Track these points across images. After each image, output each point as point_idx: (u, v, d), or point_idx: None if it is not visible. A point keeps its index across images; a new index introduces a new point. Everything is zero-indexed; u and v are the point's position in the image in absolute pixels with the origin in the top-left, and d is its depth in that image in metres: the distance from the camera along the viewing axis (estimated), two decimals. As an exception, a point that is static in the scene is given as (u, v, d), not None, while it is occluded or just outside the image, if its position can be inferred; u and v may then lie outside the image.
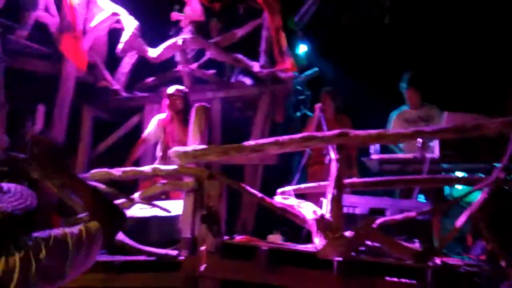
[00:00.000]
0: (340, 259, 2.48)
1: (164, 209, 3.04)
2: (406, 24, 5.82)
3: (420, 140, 3.44)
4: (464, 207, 2.75)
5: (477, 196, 2.62)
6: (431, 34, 5.74)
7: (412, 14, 5.79)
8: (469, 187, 2.97)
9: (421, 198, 3.51)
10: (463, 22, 5.53)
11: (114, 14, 4.85)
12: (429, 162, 3.17)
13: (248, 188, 2.94)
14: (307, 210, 2.73)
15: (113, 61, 5.14)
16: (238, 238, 3.00)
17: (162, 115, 4.12)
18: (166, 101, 4.08)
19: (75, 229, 1.29)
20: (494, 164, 2.86)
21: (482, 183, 2.63)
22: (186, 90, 4.20)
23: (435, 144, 3.19)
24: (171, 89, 4.08)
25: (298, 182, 3.96)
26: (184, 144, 3.87)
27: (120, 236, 2.95)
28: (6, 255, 1.15)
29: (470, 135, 2.65)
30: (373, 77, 5.78)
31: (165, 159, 3.85)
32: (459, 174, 3.23)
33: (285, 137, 2.74)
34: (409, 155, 3.38)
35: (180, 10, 5.22)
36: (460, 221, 2.60)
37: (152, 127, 4.12)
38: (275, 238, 3.58)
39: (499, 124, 2.53)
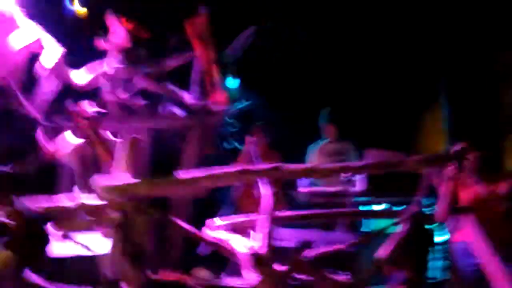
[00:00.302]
0: (273, 293, 2.48)
1: (85, 247, 2.85)
2: (323, 59, 6.22)
3: (345, 174, 3.65)
4: (383, 238, 2.93)
5: (395, 228, 2.81)
6: (348, 71, 6.20)
7: (329, 50, 6.22)
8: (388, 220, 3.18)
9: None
10: (377, 59, 6.06)
11: (38, 40, 4.57)
12: (352, 195, 3.36)
13: (180, 221, 2.86)
14: (239, 244, 2.72)
15: (30, 82, 4.79)
16: (163, 274, 2.88)
17: (72, 137, 3.91)
18: (82, 122, 3.86)
19: None
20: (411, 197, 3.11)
21: (401, 216, 2.84)
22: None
23: (361, 178, 3.40)
24: (90, 109, 3.89)
25: (226, 214, 3.96)
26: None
27: (33, 277, 2.69)
28: None
29: (392, 171, 2.86)
30: (297, 112, 6.07)
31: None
32: (381, 206, 3.47)
33: (220, 171, 2.73)
34: (335, 189, 3.55)
35: (105, 37, 5.08)
36: (381, 252, 2.76)
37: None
38: (202, 272, 3.50)
39: (420, 161, 2.77)
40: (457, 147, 2.80)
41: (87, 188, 3.61)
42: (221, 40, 4.69)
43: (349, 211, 3.21)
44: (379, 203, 3.51)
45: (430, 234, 3.27)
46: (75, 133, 3.90)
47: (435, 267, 3.28)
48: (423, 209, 2.93)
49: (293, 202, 4.00)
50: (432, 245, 3.27)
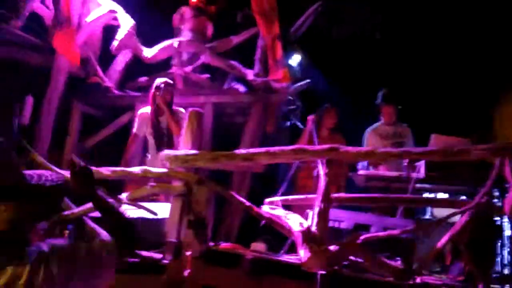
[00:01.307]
0: (324, 272, 2.51)
1: (151, 212, 3.03)
2: (396, 41, 5.94)
3: (406, 159, 3.52)
4: (445, 228, 2.82)
5: (458, 218, 2.69)
6: (419, 53, 5.87)
7: (403, 31, 5.92)
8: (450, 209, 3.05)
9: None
10: (451, 44, 5.67)
11: (111, 11, 4.83)
12: (414, 182, 3.25)
13: (237, 196, 2.95)
14: (294, 222, 2.75)
15: (106, 58, 5.11)
16: (223, 245, 3.01)
17: (146, 109, 4.10)
18: (154, 93, 4.03)
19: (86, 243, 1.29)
20: (477, 187, 2.95)
21: (464, 206, 2.71)
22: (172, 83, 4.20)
23: (421, 164, 3.27)
24: (161, 81, 4.07)
25: (285, 192, 4.01)
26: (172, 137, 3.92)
27: (105, 235, 2.93)
28: (16, 265, 1.14)
29: (456, 159, 2.73)
30: (361, 92, 5.89)
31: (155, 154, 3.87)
32: (442, 195, 3.32)
33: (277, 148, 2.77)
34: (395, 173, 3.45)
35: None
36: (441, 242, 2.67)
37: (139, 121, 4.10)
38: (259, 247, 3.60)
39: (483, 151, 2.61)
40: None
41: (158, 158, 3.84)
42: (286, 16, 4.65)
43: (410, 197, 3.11)
44: (443, 191, 3.35)
45: (497, 226, 3.10)
46: (146, 104, 4.12)
47: (503, 262, 3.12)
48: (491, 200, 2.76)
49: (352, 185, 3.95)
50: (500, 238, 3.10)
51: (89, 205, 2.98)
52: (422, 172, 3.24)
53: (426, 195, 3.47)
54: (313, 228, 2.64)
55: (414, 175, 3.26)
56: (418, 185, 3.25)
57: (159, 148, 3.86)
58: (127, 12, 4.91)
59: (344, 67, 5.94)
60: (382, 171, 3.72)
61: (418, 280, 2.54)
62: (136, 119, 4.13)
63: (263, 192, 3.60)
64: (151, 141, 4.06)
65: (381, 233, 2.73)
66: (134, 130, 4.12)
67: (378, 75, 5.73)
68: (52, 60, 4.63)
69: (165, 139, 3.97)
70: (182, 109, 4.00)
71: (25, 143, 3.13)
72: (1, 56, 4.26)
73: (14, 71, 4.45)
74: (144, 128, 4.06)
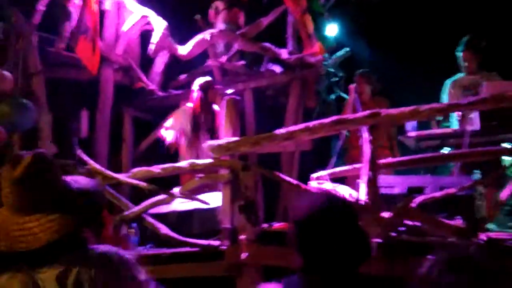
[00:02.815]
0: (380, 240, 2.46)
1: (204, 202, 3.13)
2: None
3: (459, 113, 3.31)
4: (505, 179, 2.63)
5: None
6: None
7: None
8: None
9: (477, 173, 3.33)
10: None
11: (144, 16, 4.98)
12: (470, 135, 3.04)
13: (283, 176, 2.96)
14: (343, 194, 2.71)
15: (146, 62, 5.29)
16: (276, 225, 3.05)
17: (189, 105, 4.17)
18: (197, 92, 4.13)
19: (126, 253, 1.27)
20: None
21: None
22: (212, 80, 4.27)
23: (475, 116, 3.06)
24: (203, 80, 4.16)
25: (337, 166, 3.94)
26: (215, 133, 4.00)
27: (165, 229, 3.09)
28: (80, 266, 1.16)
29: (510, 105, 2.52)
30: (409, 53, 5.57)
31: (191, 148, 3.97)
32: (507, 145, 3.06)
33: (315, 122, 2.73)
34: (448, 130, 3.26)
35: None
36: (505, 193, 2.49)
37: (178, 116, 4.14)
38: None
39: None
40: None
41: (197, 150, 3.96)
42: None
43: (461, 152, 2.93)
44: (502, 141, 3.09)
45: None
46: (188, 101, 4.23)
47: None
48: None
49: (404, 147, 3.79)
50: None
51: (147, 203, 3.17)
52: (477, 124, 3.02)
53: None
54: (364, 198, 2.58)
55: (468, 128, 3.06)
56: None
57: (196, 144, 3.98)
58: (158, 14, 5.04)
59: (384, 30, 5.66)
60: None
61: (483, 237, 2.40)
62: (178, 114, 4.18)
63: (315, 168, 3.56)
64: (187, 137, 4.10)
65: (436, 194, 2.61)
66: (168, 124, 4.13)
67: (419, 34, 5.39)
68: (98, 73, 4.89)
69: (204, 136, 4.05)
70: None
71: (83, 155, 3.35)
72: (52, 77, 4.56)
73: (66, 90, 4.76)
74: (185, 123, 4.11)
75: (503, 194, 2.53)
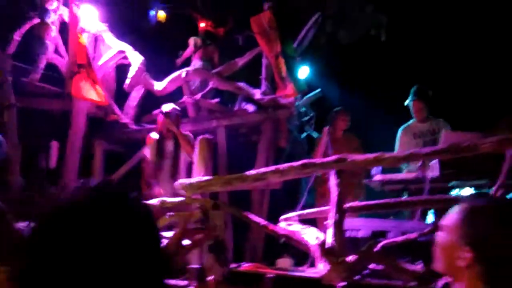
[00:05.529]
0: (344, 283, 2.52)
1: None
2: (402, 41, 5.92)
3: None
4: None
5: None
6: (429, 49, 5.81)
7: (409, 31, 5.89)
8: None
9: (431, 213, 3.52)
10: (460, 36, 5.60)
11: (121, 51, 5.06)
12: (430, 181, 3.21)
13: (252, 216, 3.02)
14: (310, 236, 2.78)
15: (121, 95, 5.33)
16: (245, 265, 3.07)
17: (154, 134, 4.29)
18: (162, 119, 4.23)
19: None
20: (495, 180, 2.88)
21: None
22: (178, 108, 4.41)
23: (435, 163, 3.23)
24: (169, 107, 4.26)
25: (307, 203, 4.02)
26: (177, 159, 4.10)
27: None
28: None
29: (467, 154, 2.69)
30: (376, 93, 5.87)
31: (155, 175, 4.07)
32: (468, 190, 3.23)
33: (285, 165, 2.82)
34: (410, 175, 3.42)
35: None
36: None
37: (148, 146, 4.30)
38: (285, 262, 3.64)
39: (494, 143, 2.57)
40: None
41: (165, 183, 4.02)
42: (287, 33, 4.73)
43: (425, 198, 3.08)
44: (467, 186, 3.27)
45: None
46: (157, 130, 4.31)
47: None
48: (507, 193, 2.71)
49: (368, 191, 3.93)
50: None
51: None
52: (436, 171, 3.20)
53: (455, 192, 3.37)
54: (330, 240, 2.66)
55: (429, 174, 3.23)
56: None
57: (160, 171, 4.05)
58: (135, 49, 5.13)
59: (352, 72, 5.96)
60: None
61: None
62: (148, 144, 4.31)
63: (285, 206, 3.64)
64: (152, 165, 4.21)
65: (398, 238, 2.71)
66: (147, 155, 4.30)
67: (388, 75, 5.71)
68: (71, 105, 4.88)
69: (168, 163, 4.15)
70: (190, 134, 4.19)
71: (49, 186, 3.31)
72: (24, 106, 4.52)
73: (37, 119, 4.72)
74: (147, 153, 4.26)
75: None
